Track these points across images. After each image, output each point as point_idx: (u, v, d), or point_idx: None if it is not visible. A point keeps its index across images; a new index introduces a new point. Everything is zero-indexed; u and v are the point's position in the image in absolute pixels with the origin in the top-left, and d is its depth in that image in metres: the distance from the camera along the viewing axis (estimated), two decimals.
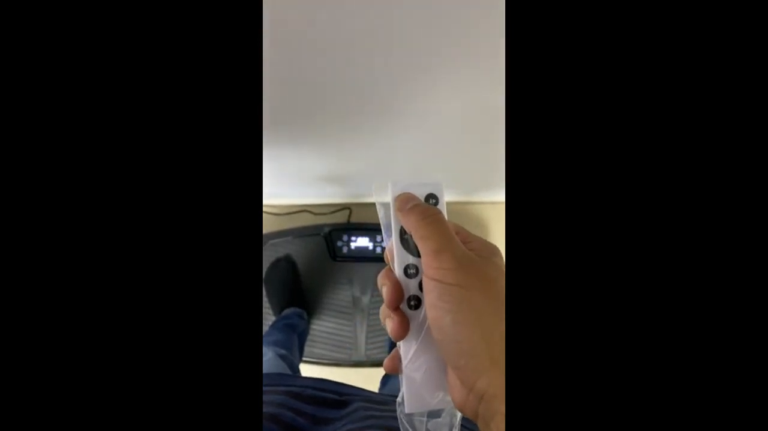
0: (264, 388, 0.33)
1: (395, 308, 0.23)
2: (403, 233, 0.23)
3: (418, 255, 0.22)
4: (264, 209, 1.11)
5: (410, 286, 0.23)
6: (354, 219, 1.10)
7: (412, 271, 0.23)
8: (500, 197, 1.11)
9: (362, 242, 1.03)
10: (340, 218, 1.11)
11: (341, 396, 0.33)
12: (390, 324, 0.23)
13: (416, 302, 0.23)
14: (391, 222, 0.24)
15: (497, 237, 1.13)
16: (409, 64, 0.42)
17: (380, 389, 0.67)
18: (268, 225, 1.09)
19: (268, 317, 0.99)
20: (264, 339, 0.77)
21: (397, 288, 0.23)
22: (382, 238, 0.98)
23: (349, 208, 1.11)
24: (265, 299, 1.00)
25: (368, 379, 0.98)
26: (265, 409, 0.29)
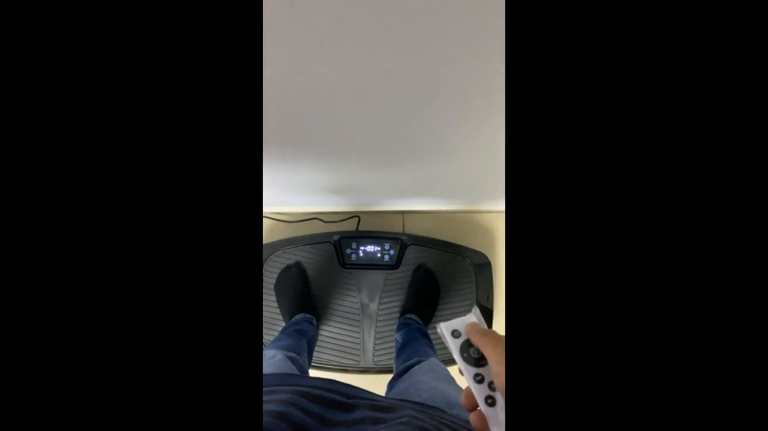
0: (273, 387, 0.33)
1: (472, 409, 0.29)
2: (463, 353, 0.30)
3: (480, 366, 0.29)
4: (275, 216, 1.14)
5: (483, 389, 0.29)
6: (363, 227, 1.12)
7: (479, 378, 0.29)
8: None
9: (371, 249, 1.05)
10: (350, 225, 1.13)
11: (349, 398, 0.34)
12: (472, 419, 0.28)
13: (492, 401, 0.28)
14: (451, 349, 0.31)
15: (503, 243, 1.14)
16: (421, 95, 0.45)
17: (387, 393, 0.69)
18: (280, 232, 1.12)
19: (278, 323, 1.01)
20: (274, 344, 0.79)
21: (468, 394, 0.29)
22: (389, 246, 0.99)
23: (358, 216, 1.13)
24: (275, 305, 1.02)
25: (375, 384, 0.99)
26: (274, 407, 0.29)
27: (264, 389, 0.33)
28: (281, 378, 0.37)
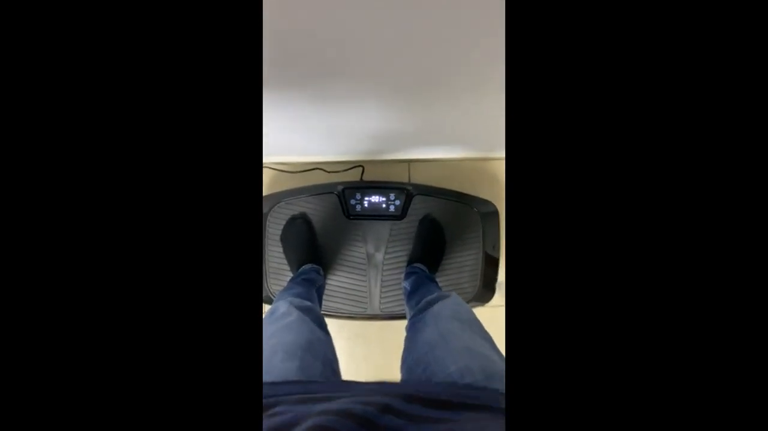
0: (327, 393, 0.32)
1: None
2: None
3: None
4: (277, 167, 1.12)
5: None
6: (367, 177, 1.10)
7: None
8: None
9: (375, 200, 1.03)
10: (353, 175, 1.11)
11: (410, 401, 0.31)
12: None
13: None
14: None
15: None
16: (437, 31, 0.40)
17: (408, 331, 0.67)
18: (282, 183, 1.10)
19: (286, 274, 1.03)
20: (285, 293, 0.80)
21: None
22: (395, 196, 0.97)
23: (362, 166, 1.10)
24: (282, 256, 1.03)
25: (383, 329, 1.02)
26: (343, 406, 0.28)
27: (316, 395, 0.32)
28: (335, 386, 0.36)
